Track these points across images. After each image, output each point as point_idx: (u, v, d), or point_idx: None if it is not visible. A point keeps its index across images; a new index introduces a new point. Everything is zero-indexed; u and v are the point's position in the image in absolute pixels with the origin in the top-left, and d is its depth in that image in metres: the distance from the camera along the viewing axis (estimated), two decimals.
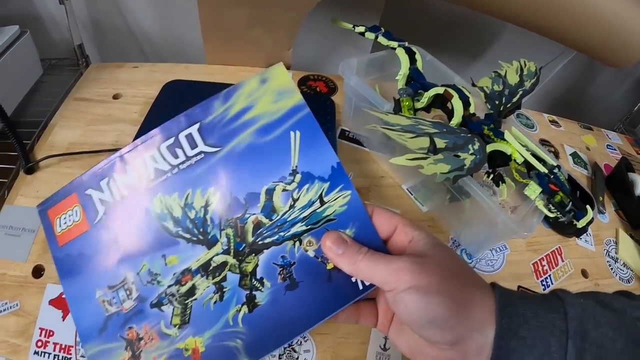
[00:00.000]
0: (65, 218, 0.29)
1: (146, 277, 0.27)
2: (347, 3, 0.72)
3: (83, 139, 0.49)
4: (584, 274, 0.50)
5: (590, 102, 0.99)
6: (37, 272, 0.38)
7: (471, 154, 0.36)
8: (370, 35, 0.53)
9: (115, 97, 0.56)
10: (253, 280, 0.28)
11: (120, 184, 0.29)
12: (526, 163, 0.40)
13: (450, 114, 0.42)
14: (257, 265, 0.28)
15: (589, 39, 0.54)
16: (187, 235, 0.28)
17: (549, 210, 0.38)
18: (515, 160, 0.39)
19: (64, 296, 0.34)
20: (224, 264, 0.28)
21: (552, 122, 0.71)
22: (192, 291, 0.27)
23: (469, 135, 0.38)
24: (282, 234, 0.28)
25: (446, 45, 0.80)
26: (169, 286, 0.27)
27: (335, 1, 0.69)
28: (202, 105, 0.29)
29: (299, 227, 0.28)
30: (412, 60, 0.48)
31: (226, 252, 0.28)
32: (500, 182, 0.41)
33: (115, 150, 0.29)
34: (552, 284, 0.47)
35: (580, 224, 0.39)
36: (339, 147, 0.52)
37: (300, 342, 0.36)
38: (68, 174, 0.45)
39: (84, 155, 0.47)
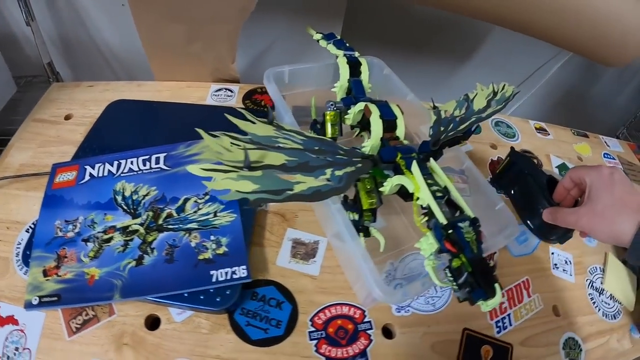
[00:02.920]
0: (64, 175, 0.44)
1: (88, 222, 0.40)
2: (310, 11, 0.67)
3: (32, 161, 0.49)
4: (556, 311, 0.40)
5: (591, 106, 0.82)
6: None
7: (326, 179, 0.30)
8: (323, 43, 0.49)
9: (67, 117, 0.55)
10: (148, 247, 0.38)
11: (106, 169, 0.44)
12: (428, 208, 0.31)
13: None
14: (155, 239, 0.39)
15: (582, 38, 0.50)
16: (125, 207, 0.41)
17: (444, 276, 0.29)
18: (418, 200, 0.32)
19: None
20: (136, 231, 0.39)
21: (540, 129, 0.61)
22: (109, 240, 0.38)
23: (350, 158, 0.32)
24: (181, 225, 0.40)
25: (431, 50, 0.75)
26: (98, 232, 0.39)
27: (296, 10, 0.66)
28: (172, 145, 0.46)
29: (193, 225, 0.40)
30: (355, 72, 0.44)
31: (141, 224, 0.39)
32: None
33: None
34: (510, 325, 0.39)
35: (482, 306, 0.27)
36: None
37: None
38: (15, 195, 0.45)
39: (30, 178, 0.46)
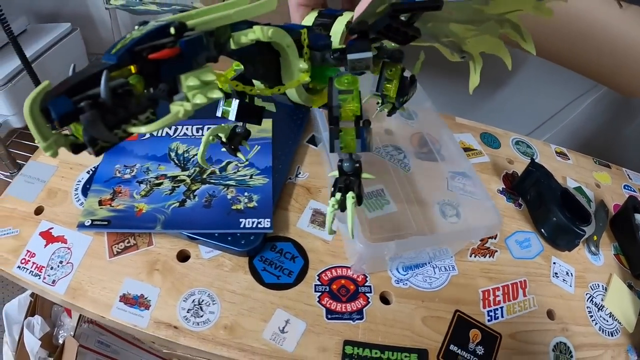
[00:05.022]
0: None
1: (144, 169, 0.48)
2: None
3: None
4: (550, 314, 0.42)
5: (622, 143, 0.79)
6: (38, 211, 0.47)
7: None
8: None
9: None
10: (191, 194, 0.45)
11: (164, 130, 0.52)
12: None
13: None
14: (198, 188, 0.46)
15: (602, 68, 0.51)
16: (176, 162, 0.49)
17: None
18: None
19: (50, 230, 0.46)
20: (183, 180, 0.46)
21: (560, 153, 0.62)
22: (159, 184, 0.46)
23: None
24: (221, 181, 0.47)
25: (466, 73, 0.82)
26: (151, 177, 0.47)
27: None
28: (222, 120, 0.54)
29: (231, 182, 0.47)
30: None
31: (188, 176, 0.47)
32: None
33: None
34: (501, 317, 0.41)
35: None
36: (308, 151, 0.53)
37: (209, 304, 0.39)
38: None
39: None
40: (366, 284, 0.41)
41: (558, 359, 0.40)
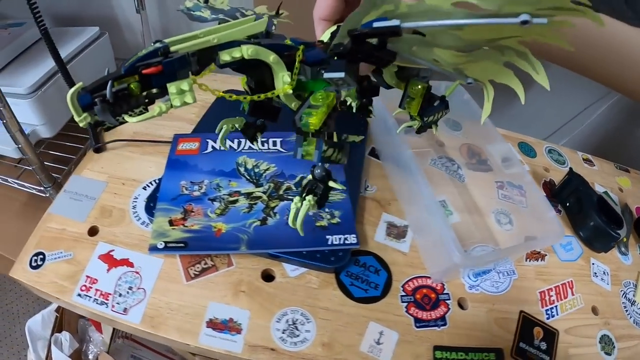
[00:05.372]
0: (186, 144, 0.52)
1: (214, 185, 0.48)
2: None
3: (146, 130, 0.56)
4: (594, 310, 0.48)
5: (637, 146, 0.88)
6: (92, 232, 0.45)
7: None
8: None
9: None
10: (271, 212, 0.46)
11: (227, 144, 0.52)
12: None
13: None
14: (277, 205, 0.46)
15: (622, 77, 0.49)
16: (248, 177, 0.49)
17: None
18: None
19: (111, 253, 0.43)
20: (259, 197, 0.47)
21: (586, 160, 0.69)
22: (234, 202, 0.46)
23: None
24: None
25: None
26: (224, 194, 0.47)
27: None
28: (287, 132, 0.53)
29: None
30: None
31: (264, 192, 0.47)
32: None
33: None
34: (557, 314, 0.47)
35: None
36: (371, 164, 0.55)
37: (304, 323, 0.40)
38: (129, 157, 0.52)
39: (145, 143, 0.54)
40: (444, 292, 0.45)
41: (604, 350, 0.46)
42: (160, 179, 0.49)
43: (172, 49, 0.23)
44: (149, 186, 0.51)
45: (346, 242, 0.44)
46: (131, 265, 0.43)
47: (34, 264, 0.43)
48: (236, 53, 0.25)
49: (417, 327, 0.42)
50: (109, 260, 0.43)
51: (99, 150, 0.54)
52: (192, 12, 0.34)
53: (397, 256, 0.46)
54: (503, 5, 0.18)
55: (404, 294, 0.44)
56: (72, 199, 0.49)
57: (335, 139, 0.29)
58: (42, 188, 0.54)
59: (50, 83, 0.57)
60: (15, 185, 0.63)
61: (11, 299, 0.98)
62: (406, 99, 0.32)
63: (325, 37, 0.31)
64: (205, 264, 0.43)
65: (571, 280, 0.50)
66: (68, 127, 0.65)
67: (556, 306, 0.48)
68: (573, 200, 0.56)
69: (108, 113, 0.22)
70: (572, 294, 0.49)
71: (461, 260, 0.38)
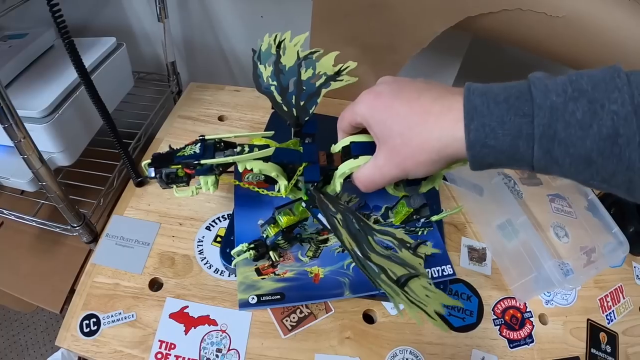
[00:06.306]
0: (251, 176, 0.49)
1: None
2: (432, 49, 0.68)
3: None
4: None
5: None
6: (154, 285, 0.39)
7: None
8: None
9: (220, 118, 0.59)
10: None
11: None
12: None
13: None
14: None
15: None
16: None
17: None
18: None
19: (185, 310, 0.38)
20: None
21: None
22: (325, 241, 0.44)
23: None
24: (389, 230, 0.44)
25: None
26: (311, 233, 0.45)
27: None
28: None
29: (400, 230, 0.45)
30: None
31: None
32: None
33: None
34: (614, 319, 0.52)
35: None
36: (440, 187, 0.56)
37: None
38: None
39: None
40: (527, 310, 0.48)
41: None
42: (230, 218, 0.45)
43: (202, 162, 0.35)
44: (212, 226, 0.46)
45: (443, 273, 0.45)
46: (214, 323, 0.38)
47: (86, 329, 0.37)
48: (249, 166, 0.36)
49: (511, 347, 0.45)
50: (185, 319, 0.37)
51: (141, 184, 0.48)
52: (260, 83, 0.42)
53: (482, 280, 0.49)
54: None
55: (495, 317, 0.46)
56: (120, 245, 0.43)
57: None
58: (69, 227, 0.47)
59: (68, 103, 0.49)
60: (34, 224, 0.54)
61: (17, 330, 0.90)
62: (395, 208, 0.44)
63: (337, 148, 0.37)
64: (301, 312, 0.40)
65: (620, 285, 0.56)
66: (88, 151, 0.57)
67: (613, 311, 0.53)
68: (615, 208, 0.61)
69: (164, 183, 0.37)
70: (623, 297, 0.55)
71: (560, 283, 0.41)
